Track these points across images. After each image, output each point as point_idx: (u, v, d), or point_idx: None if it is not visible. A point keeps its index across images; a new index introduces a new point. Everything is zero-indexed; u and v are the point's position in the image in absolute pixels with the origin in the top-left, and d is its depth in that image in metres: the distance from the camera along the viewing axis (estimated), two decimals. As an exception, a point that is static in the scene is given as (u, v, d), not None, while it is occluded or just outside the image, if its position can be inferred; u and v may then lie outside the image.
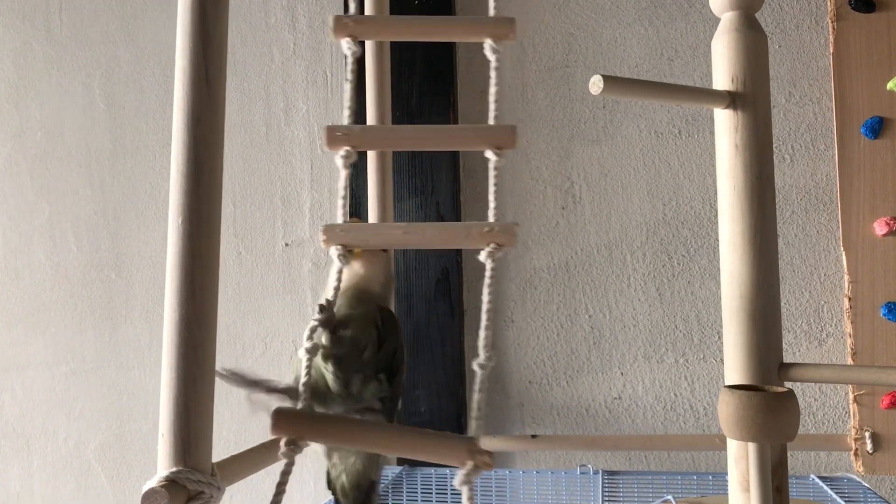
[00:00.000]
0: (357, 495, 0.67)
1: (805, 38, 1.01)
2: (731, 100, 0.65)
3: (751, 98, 0.65)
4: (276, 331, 1.14)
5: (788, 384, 0.63)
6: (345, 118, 0.63)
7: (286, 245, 1.14)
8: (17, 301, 1.22)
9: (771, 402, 0.55)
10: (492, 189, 0.58)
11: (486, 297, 0.53)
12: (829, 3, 0.92)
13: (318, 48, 1.15)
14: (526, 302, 1.07)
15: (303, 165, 1.14)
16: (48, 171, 1.22)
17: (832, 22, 0.91)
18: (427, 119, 1.09)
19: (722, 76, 0.66)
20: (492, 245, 0.55)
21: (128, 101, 1.20)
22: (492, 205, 0.58)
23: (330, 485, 0.67)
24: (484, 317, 0.52)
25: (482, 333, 0.51)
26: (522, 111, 1.09)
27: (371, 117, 1.00)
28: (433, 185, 1.08)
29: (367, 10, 0.99)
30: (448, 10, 1.09)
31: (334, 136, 0.61)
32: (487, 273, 0.54)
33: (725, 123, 0.65)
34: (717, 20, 0.67)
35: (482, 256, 0.55)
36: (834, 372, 0.63)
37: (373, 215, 0.98)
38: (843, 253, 0.90)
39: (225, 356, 1.13)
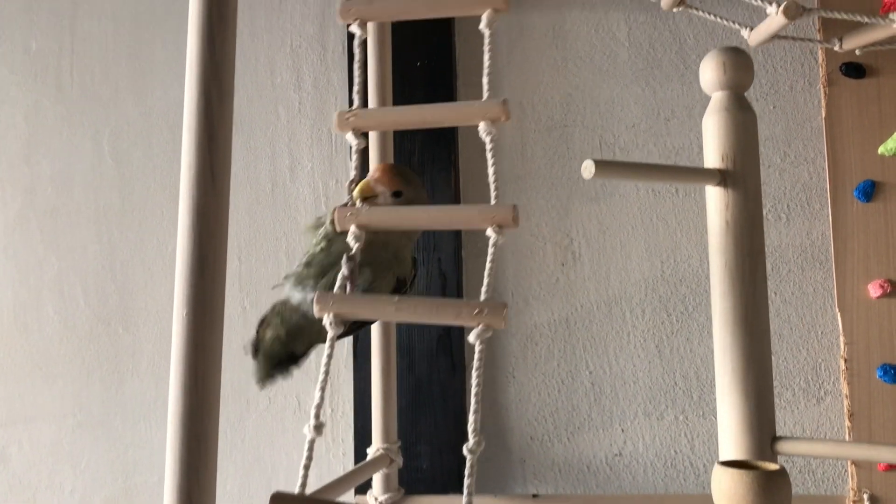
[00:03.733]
0: (276, 355, 0.82)
1: (799, 100, 1.03)
2: (721, 177, 0.67)
3: (741, 176, 0.67)
4: (280, 386, 1.15)
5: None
6: (349, 195, 0.66)
7: (290, 300, 1.16)
8: (26, 354, 1.24)
9: (763, 481, 0.56)
10: (488, 266, 0.60)
11: (474, 380, 0.54)
12: (820, 69, 0.94)
13: (322, 107, 1.18)
14: (527, 358, 1.08)
15: (308, 221, 1.16)
16: (57, 226, 1.25)
17: (824, 87, 0.93)
18: (429, 176, 1.11)
19: (712, 154, 0.68)
20: (481, 325, 0.57)
21: (136, 158, 1.23)
22: (486, 281, 0.59)
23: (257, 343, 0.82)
24: (472, 400, 0.53)
25: (471, 417, 0.52)
26: (522, 169, 1.11)
27: (374, 178, 1.02)
28: (435, 242, 1.10)
29: (371, 72, 1.01)
30: (449, 72, 1.11)
31: (344, 216, 0.63)
32: (476, 356, 0.55)
33: (716, 200, 0.67)
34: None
35: (471, 338, 0.56)
36: (827, 447, 0.64)
37: (375, 276, 0.99)
38: (839, 314, 0.91)
39: (230, 411, 1.15)
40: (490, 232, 0.61)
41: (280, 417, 1.15)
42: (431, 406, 1.07)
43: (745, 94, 0.71)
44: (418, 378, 1.07)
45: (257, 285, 1.17)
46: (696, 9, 0.87)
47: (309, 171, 1.17)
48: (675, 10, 0.83)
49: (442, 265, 1.09)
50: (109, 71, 1.26)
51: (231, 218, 1.20)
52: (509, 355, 1.08)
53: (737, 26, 0.87)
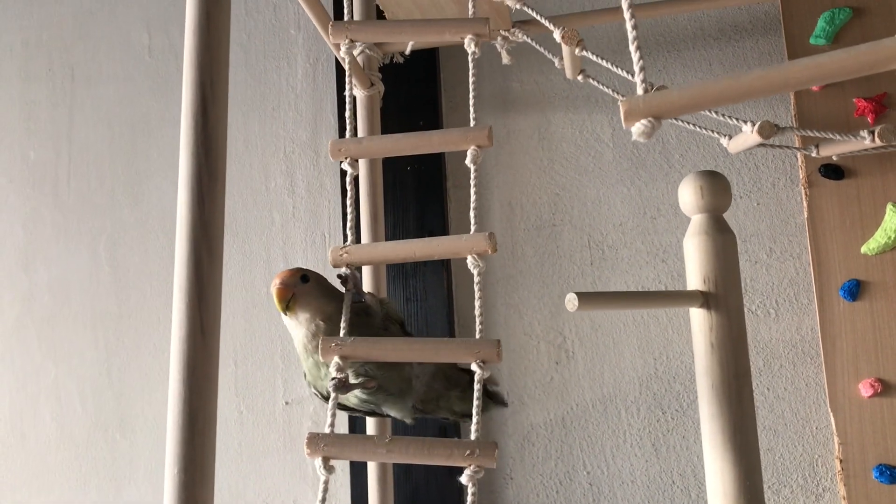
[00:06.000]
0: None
1: (782, 196, 1.05)
2: (704, 300, 0.68)
3: (723, 298, 0.68)
4: (278, 490, 1.14)
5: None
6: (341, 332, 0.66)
7: (286, 403, 1.16)
8: (23, 463, 1.23)
9: None
10: (476, 403, 0.60)
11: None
12: (800, 171, 0.96)
13: (316, 210, 1.20)
14: (524, 458, 1.08)
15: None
16: (55, 333, 1.26)
17: (804, 188, 0.95)
18: (421, 277, 1.12)
19: (694, 276, 0.69)
20: (473, 467, 0.57)
21: (132, 264, 1.25)
22: (474, 419, 0.60)
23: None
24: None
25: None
26: (513, 268, 1.12)
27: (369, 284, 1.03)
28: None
29: (362, 173, 1.03)
30: (439, 175, 1.13)
31: (328, 347, 0.65)
32: (469, 500, 0.55)
33: (700, 323, 0.68)
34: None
35: (463, 479, 0.56)
36: (821, 571, 0.64)
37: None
38: (832, 414, 0.91)
39: (227, 517, 1.14)
40: (475, 367, 0.62)
41: (278, 524, 1.14)
42: (430, 511, 1.06)
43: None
44: (415, 483, 1.07)
45: (253, 389, 1.17)
46: (676, 118, 0.90)
47: (303, 273, 1.18)
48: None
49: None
50: (105, 178, 1.28)
51: (227, 322, 1.21)
52: (507, 456, 1.08)
53: (716, 135, 0.89)
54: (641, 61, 0.52)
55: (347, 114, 0.70)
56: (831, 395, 0.91)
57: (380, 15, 1.03)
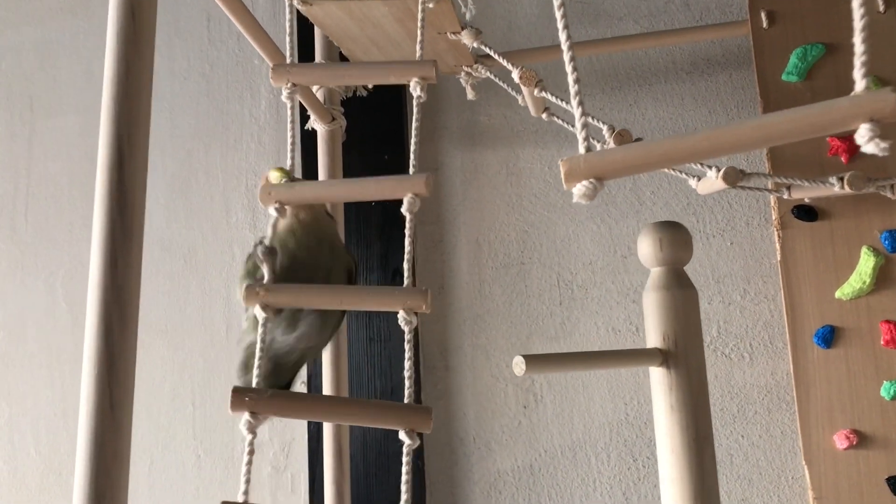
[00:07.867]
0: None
1: (756, 236, 1.02)
2: (663, 358, 0.64)
3: (683, 357, 0.64)
4: (236, 539, 1.10)
5: None
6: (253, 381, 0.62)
7: (246, 447, 1.12)
8: (-27, 508, 1.19)
9: None
10: (404, 479, 0.56)
11: None
12: (773, 212, 0.93)
13: (277, 246, 1.16)
14: (490, 507, 1.04)
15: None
16: (9, 372, 1.21)
17: (777, 230, 0.91)
18: (386, 325, 1.08)
19: (653, 333, 0.65)
20: None
21: (90, 301, 1.20)
22: (404, 497, 0.55)
23: None
24: None
25: None
26: (480, 307, 1.09)
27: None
28: (392, 387, 1.07)
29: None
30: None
31: (240, 401, 0.59)
32: None
33: (660, 382, 0.65)
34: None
35: None
36: None
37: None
38: (806, 467, 0.87)
39: (183, 567, 1.10)
40: (403, 436, 0.57)
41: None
42: (392, 562, 1.02)
43: (687, 262, 0.69)
44: (377, 533, 1.03)
45: (211, 433, 1.13)
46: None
47: (265, 311, 1.14)
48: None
49: (401, 409, 1.06)
50: (64, 212, 1.24)
51: (185, 361, 1.16)
52: (472, 504, 1.04)
53: (685, 176, 0.86)
54: (584, 118, 0.49)
55: (289, 156, 0.66)
56: (805, 446, 0.87)
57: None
